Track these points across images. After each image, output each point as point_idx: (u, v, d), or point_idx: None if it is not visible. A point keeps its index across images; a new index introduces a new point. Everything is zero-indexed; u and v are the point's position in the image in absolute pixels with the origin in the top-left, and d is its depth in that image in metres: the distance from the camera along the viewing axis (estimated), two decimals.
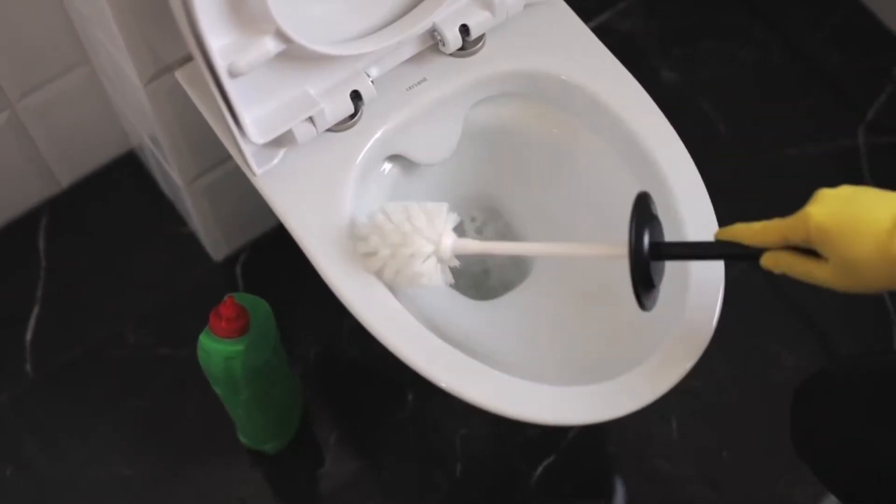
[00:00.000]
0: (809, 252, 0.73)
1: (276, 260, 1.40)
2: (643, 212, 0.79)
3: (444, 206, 0.92)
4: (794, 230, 0.72)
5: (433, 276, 0.90)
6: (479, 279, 1.15)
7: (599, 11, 1.62)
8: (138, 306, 1.38)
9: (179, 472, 1.29)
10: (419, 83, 1.01)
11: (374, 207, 0.97)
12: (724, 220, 0.89)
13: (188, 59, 1.02)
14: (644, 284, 0.79)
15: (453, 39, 0.99)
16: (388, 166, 1.05)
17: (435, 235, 0.90)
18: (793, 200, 0.78)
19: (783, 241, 0.74)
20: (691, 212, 0.95)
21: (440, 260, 0.90)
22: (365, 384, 1.35)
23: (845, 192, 0.71)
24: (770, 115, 1.56)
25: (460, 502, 1.29)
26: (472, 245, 0.91)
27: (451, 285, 0.96)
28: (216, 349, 1.02)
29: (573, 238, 1.07)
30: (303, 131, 0.94)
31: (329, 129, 0.97)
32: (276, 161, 0.96)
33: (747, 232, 0.75)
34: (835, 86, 1.57)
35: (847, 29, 1.63)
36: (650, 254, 0.78)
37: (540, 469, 1.29)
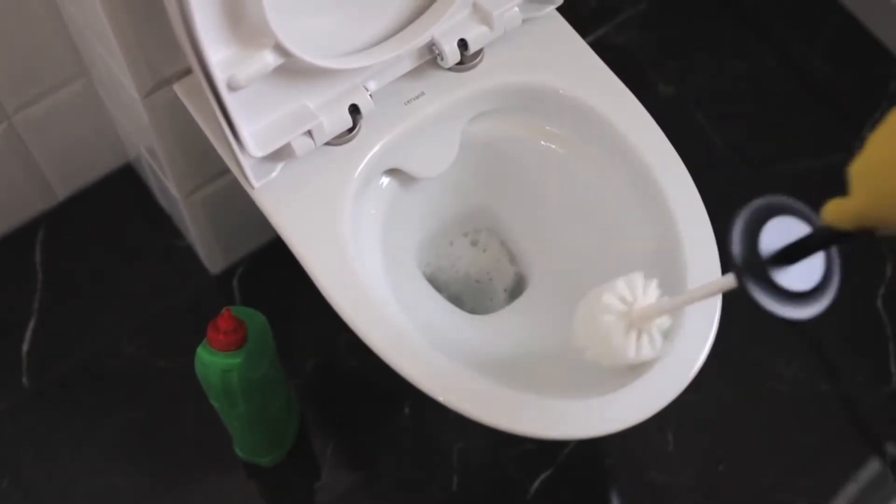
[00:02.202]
0: None
1: (272, 273, 1.40)
2: (742, 231, 0.70)
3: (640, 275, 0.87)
4: None
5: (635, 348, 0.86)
6: (476, 293, 1.16)
7: (596, 26, 1.63)
8: (134, 319, 1.38)
9: (175, 485, 1.28)
10: (417, 97, 1.01)
11: (373, 220, 0.97)
12: (721, 232, 0.89)
13: (187, 72, 1.02)
14: (773, 297, 0.69)
15: (451, 54, 0.99)
16: (385, 180, 1.05)
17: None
18: None
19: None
20: (688, 224, 0.95)
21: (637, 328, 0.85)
22: (362, 397, 1.35)
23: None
24: (765, 128, 1.56)
25: None
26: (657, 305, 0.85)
27: (449, 299, 0.96)
28: (214, 362, 1.02)
29: (572, 252, 1.07)
30: (301, 145, 0.94)
31: (327, 143, 0.98)
32: (274, 174, 0.96)
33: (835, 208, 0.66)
34: (829, 100, 1.58)
35: (840, 43, 1.64)
36: (754, 272, 0.69)
37: (537, 482, 1.29)
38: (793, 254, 0.69)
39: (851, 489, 1.31)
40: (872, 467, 1.32)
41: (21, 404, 1.32)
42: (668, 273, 0.96)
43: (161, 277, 1.41)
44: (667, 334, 0.88)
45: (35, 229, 1.43)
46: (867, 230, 0.64)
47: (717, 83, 1.60)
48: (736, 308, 1.08)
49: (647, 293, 0.85)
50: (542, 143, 1.07)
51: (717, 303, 0.93)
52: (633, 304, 0.84)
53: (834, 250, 0.74)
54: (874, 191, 0.61)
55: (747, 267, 0.68)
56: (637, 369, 0.89)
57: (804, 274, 0.71)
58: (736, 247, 0.69)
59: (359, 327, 0.90)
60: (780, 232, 0.70)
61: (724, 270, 0.95)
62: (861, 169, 0.61)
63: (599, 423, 0.88)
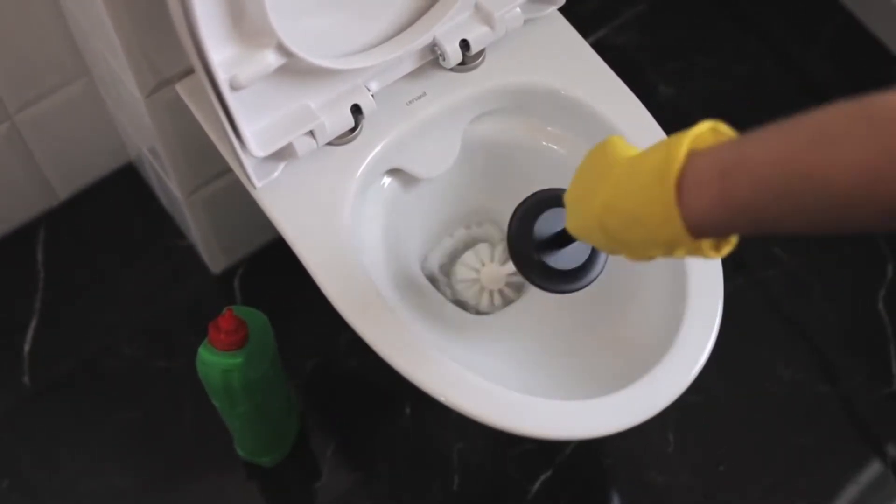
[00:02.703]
0: None
1: (273, 273, 1.40)
2: (517, 219, 0.85)
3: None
4: None
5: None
6: (477, 293, 1.16)
7: (596, 27, 1.63)
8: (136, 319, 1.38)
9: (176, 485, 1.29)
10: (419, 97, 1.01)
11: (374, 220, 0.97)
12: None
13: (189, 71, 1.03)
14: (539, 276, 0.84)
15: (453, 54, 0.99)
16: (387, 180, 1.05)
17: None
18: None
19: None
20: None
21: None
22: (362, 397, 1.35)
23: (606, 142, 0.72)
24: None
25: None
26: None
27: (449, 299, 0.96)
28: (215, 362, 1.02)
29: None
30: (303, 144, 0.94)
31: (329, 143, 0.98)
32: (276, 174, 0.96)
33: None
34: (829, 100, 1.58)
35: (840, 43, 1.64)
36: (526, 256, 0.84)
37: (538, 483, 1.29)
38: (558, 241, 0.83)
39: (852, 490, 1.31)
40: (873, 468, 1.32)
41: (22, 404, 1.33)
42: (669, 271, 0.96)
43: (162, 277, 1.41)
44: (518, 288, 1.10)
45: (36, 229, 1.43)
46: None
47: (717, 84, 1.60)
48: (736, 309, 1.09)
49: (493, 260, 1.11)
50: (544, 143, 1.07)
51: (718, 305, 0.93)
52: (483, 269, 1.11)
53: None
54: (571, 218, 0.74)
55: (519, 252, 0.84)
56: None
57: (575, 253, 0.84)
58: (513, 233, 0.85)
59: (359, 327, 0.90)
60: (557, 220, 0.84)
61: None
62: (568, 198, 0.74)
63: (600, 423, 0.88)
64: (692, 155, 0.59)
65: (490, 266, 1.11)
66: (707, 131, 0.60)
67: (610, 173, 0.66)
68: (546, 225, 0.84)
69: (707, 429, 1.34)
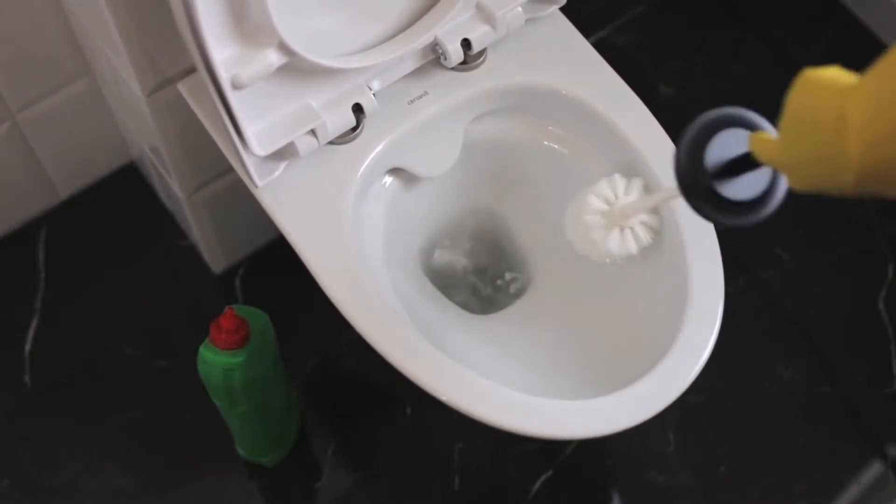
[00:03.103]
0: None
1: (274, 273, 1.40)
2: (690, 142, 0.75)
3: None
4: None
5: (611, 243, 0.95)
6: (480, 293, 1.16)
7: (597, 27, 1.63)
8: (137, 318, 1.38)
9: (176, 484, 1.29)
10: (421, 97, 1.01)
11: (376, 219, 0.97)
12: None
13: (190, 70, 1.03)
14: (715, 208, 0.74)
15: (455, 53, 0.99)
16: (388, 179, 1.05)
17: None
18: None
19: None
20: (690, 222, 0.95)
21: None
22: (363, 396, 1.35)
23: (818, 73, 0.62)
24: None
25: None
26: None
27: (450, 298, 0.96)
28: (216, 361, 1.02)
29: (574, 252, 1.07)
30: (304, 144, 0.94)
31: (331, 142, 0.98)
32: (277, 173, 0.96)
33: (758, 142, 0.71)
34: None
35: (841, 43, 1.64)
36: (696, 183, 0.74)
37: (538, 483, 1.29)
38: (734, 168, 0.73)
39: (852, 490, 1.31)
40: (873, 469, 1.32)
41: (23, 404, 1.33)
42: (671, 271, 0.96)
43: (163, 277, 1.41)
44: (656, 231, 0.96)
45: (38, 228, 1.43)
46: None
47: (717, 84, 1.60)
48: (737, 309, 1.09)
49: (627, 192, 0.96)
50: (545, 143, 1.07)
51: (718, 305, 0.93)
52: (614, 203, 0.95)
53: None
54: (798, 169, 0.63)
55: (689, 178, 0.73)
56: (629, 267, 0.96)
57: (752, 182, 0.74)
58: (681, 158, 0.74)
59: (361, 326, 0.90)
60: (733, 142, 0.74)
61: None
62: (785, 154, 0.64)
63: (600, 423, 0.88)
64: None
65: (623, 199, 0.96)
66: None
67: (844, 111, 0.56)
68: (718, 150, 0.74)
69: (707, 429, 1.34)
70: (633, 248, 0.95)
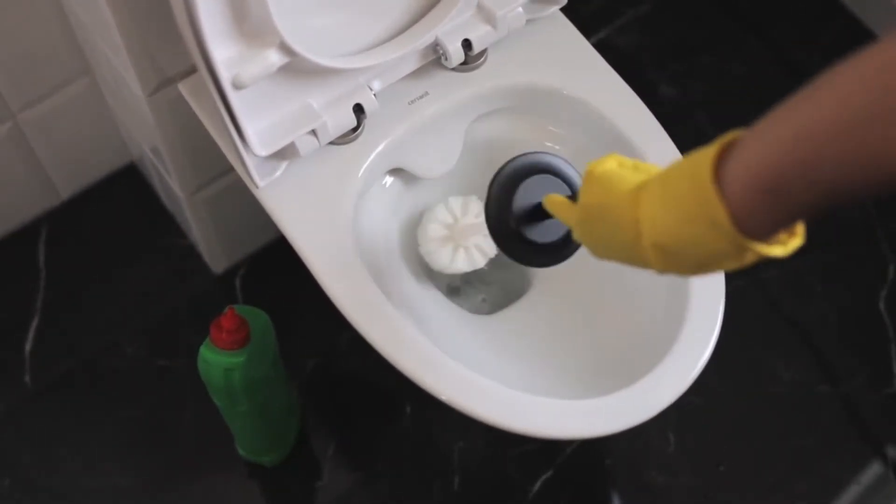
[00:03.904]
0: None
1: (274, 272, 1.40)
2: (496, 189, 0.81)
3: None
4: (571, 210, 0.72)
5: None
6: (480, 293, 1.16)
7: (598, 28, 1.63)
8: (137, 318, 1.38)
9: (176, 484, 1.29)
10: (421, 97, 1.01)
11: (376, 220, 0.97)
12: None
13: (191, 70, 1.03)
14: (518, 250, 0.81)
15: (455, 54, 0.99)
16: (389, 179, 1.05)
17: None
18: None
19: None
20: None
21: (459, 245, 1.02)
22: (363, 396, 1.35)
23: (605, 171, 0.66)
24: None
25: None
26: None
27: (451, 299, 0.96)
28: (216, 361, 1.02)
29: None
30: (305, 144, 0.94)
31: (331, 142, 0.98)
32: (278, 173, 0.96)
33: (554, 206, 0.76)
34: None
35: (842, 43, 1.64)
36: (504, 226, 0.80)
37: (538, 483, 1.29)
38: (538, 214, 0.79)
39: (852, 491, 1.31)
40: (874, 469, 1.32)
41: (23, 403, 1.33)
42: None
43: (163, 277, 1.41)
44: (489, 257, 1.02)
45: (38, 228, 1.43)
46: None
47: (718, 85, 1.60)
48: (737, 309, 1.09)
49: (468, 213, 1.02)
50: (546, 143, 1.07)
51: (719, 305, 0.93)
52: (459, 220, 1.02)
53: None
54: (588, 241, 0.68)
55: (497, 223, 0.80)
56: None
57: (555, 226, 0.79)
58: (490, 204, 0.80)
59: (361, 326, 0.90)
60: (539, 189, 0.80)
61: None
62: (584, 217, 0.67)
63: (601, 422, 0.88)
64: (721, 173, 0.55)
65: (464, 220, 1.02)
66: (720, 144, 0.57)
67: (638, 226, 0.61)
68: (527, 194, 0.80)
69: (707, 429, 1.34)
70: (463, 267, 1.02)
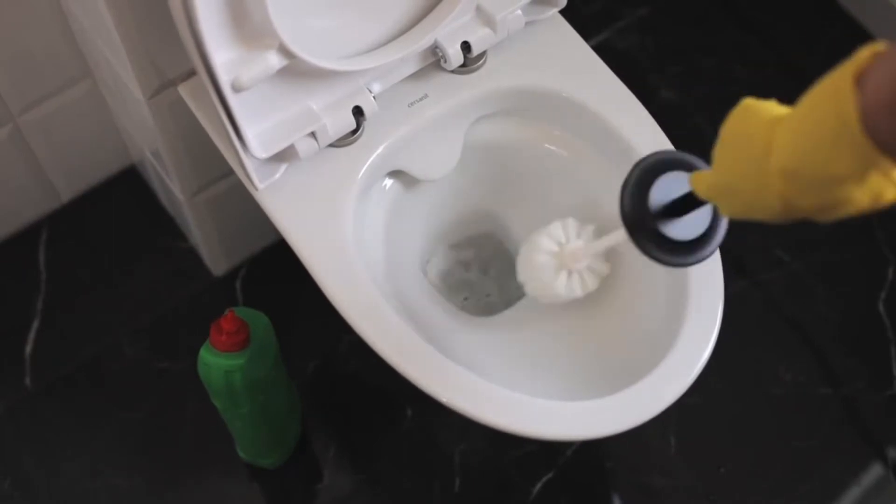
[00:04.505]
0: None
1: (275, 275, 1.40)
2: (634, 185, 0.79)
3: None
4: None
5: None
6: (480, 295, 1.16)
7: (598, 31, 1.63)
8: (137, 320, 1.38)
9: (177, 486, 1.29)
10: (421, 99, 1.01)
11: (376, 222, 0.97)
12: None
13: (191, 73, 1.03)
14: (659, 249, 0.78)
15: (455, 56, 0.99)
16: (389, 182, 1.05)
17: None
18: None
19: None
20: None
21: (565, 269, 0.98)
22: (363, 398, 1.35)
23: (749, 104, 0.66)
24: None
25: None
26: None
27: (451, 301, 0.96)
28: (216, 363, 1.02)
29: None
30: (305, 146, 0.94)
31: (331, 145, 0.98)
32: (277, 176, 0.96)
33: (698, 177, 0.74)
34: None
35: (842, 47, 1.63)
36: (642, 223, 0.78)
37: (539, 485, 1.29)
38: (676, 209, 0.77)
39: (853, 493, 1.31)
40: (874, 471, 1.32)
41: (24, 405, 1.33)
42: (670, 273, 0.96)
43: (164, 279, 1.41)
44: (603, 278, 0.99)
45: (39, 231, 1.44)
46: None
47: (718, 87, 1.60)
48: (738, 311, 1.09)
49: (579, 236, 0.97)
50: (546, 145, 1.07)
51: (718, 306, 0.93)
52: (565, 245, 0.97)
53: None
54: (728, 198, 0.67)
55: (633, 220, 0.77)
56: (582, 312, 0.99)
57: (693, 223, 0.78)
58: (626, 200, 0.78)
59: (361, 328, 0.90)
60: (675, 185, 0.77)
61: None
62: (715, 180, 0.68)
63: (601, 424, 0.88)
64: (863, 82, 0.54)
65: (570, 245, 0.97)
66: (866, 55, 0.55)
67: (771, 146, 0.60)
68: (659, 193, 0.77)
69: (708, 431, 1.34)
70: (578, 292, 0.97)
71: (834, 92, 0.55)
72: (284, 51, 0.85)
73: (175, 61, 1.01)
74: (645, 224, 0.77)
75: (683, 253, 0.78)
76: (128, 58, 0.98)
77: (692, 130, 1.55)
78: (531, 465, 1.30)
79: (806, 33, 1.66)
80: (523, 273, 0.99)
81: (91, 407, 1.33)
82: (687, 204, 0.76)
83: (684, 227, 0.77)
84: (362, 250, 0.98)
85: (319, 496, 1.30)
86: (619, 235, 0.86)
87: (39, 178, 1.37)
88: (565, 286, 0.97)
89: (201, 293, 1.41)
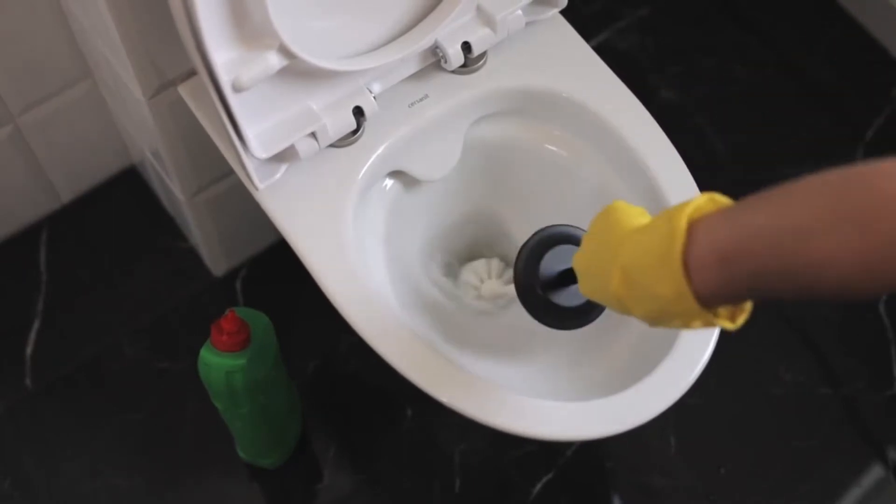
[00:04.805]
0: None
1: (275, 275, 1.40)
2: (524, 256, 0.86)
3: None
4: None
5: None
6: (479, 295, 1.16)
7: (598, 31, 1.63)
8: (138, 320, 1.38)
9: (177, 486, 1.29)
10: (421, 100, 1.01)
11: (376, 222, 0.97)
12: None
13: (191, 73, 1.03)
14: (545, 313, 0.85)
15: (455, 56, 0.99)
16: (389, 182, 1.05)
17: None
18: None
19: None
20: None
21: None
22: (363, 398, 1.35)
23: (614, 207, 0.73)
24: (767, 134, 1.57)
25: None
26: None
27: (452, 301, 0.96)
28: (217, 363, 1.02)
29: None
30: (305, 146, 0.94)
31: (331, 145, 0.98)
32: (278, 176, 0.96)
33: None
34: (832, 106, 1.58)
35: (842, 47, 1.64)
36: (531, 290, 0.85)
37: (539, 485, 1.29)
38: (564, 279, 0.84)
39: (853, 493, 1.31)
40: (875, 472, 1.32)
41: (24, 405, 1.33)
42: None
43: (164, 279, 1.41)
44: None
45: (39, 231, 1.44)
46: None
47: (718, 87, 1.60)
48: None
49: (492, 276, 1.11)
50: (546, 146, 1.07)
51: None
52: (482, 284, 1.12)
53: None
54: (588, 283, 0.75)
55: (525, 286, 0.85)
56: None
57: (576, 294, 0.84)
58: (519, 269, 0.85)
59: (361, 328, 0.90)
60: (564, 257, 0.85)
61: None
62: (578, 266, 0.76)
63: (601, 424, 0.88)
64: (693, 230, 0.60)
65: (490, 282, 1.13)
66: (705, 202, 0.62)
67: (619, 250, 0.68)
68: (553, 262, 0.85)
69: (708, 431, 1.34)
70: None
71: (670, 224, 0.61)
72: (285, 51, 0.85)
73: (175, 61, 1.01)
74: (533, 291, 0.84)
75: (568, 318, 0.85)
76: (128, 58, 0.98)
77: (692, 130, 1.55)
78: (531, 466, 1.30)
79: (806, 33, 1.66)
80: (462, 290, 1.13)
81: (91, 407, 1.33)
82: (569, 276, 0.83)
83: (570, 296, 0.85)
84: (362, 250, 0.98)
85: (319, 496, 1.30)
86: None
87: (40, 178, 1.37)
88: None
89: (201, 293, 1.41)
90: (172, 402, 1.33)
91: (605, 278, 0.69)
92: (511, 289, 1.02)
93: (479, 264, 1.14)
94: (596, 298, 0.74)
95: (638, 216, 0.70)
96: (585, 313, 0.85)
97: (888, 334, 1.41)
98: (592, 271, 0.73)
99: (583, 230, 0.86)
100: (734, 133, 1.55)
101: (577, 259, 0.76)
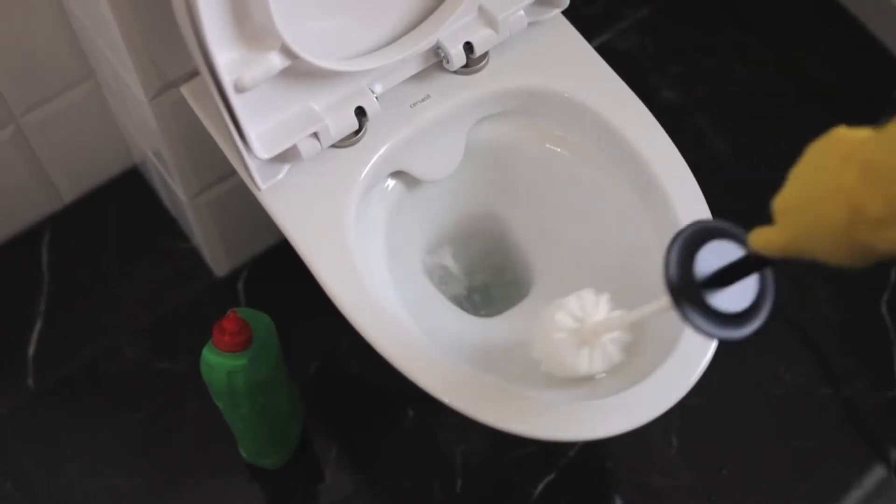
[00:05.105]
0: None
1: (276, 275, 1.40)
2: (678, 254, 0.73)
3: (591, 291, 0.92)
4: None
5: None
6: (481, 295, 1.16)
7: (599, 32, 1.63)
8: (140, 321, 1.38)
9: (178, 486, 1.29)
10: (423, 100, 1.02)
11: (378, 222, 0.97)
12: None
13: (193, 74, 1.03)
14: (704, 320, 0.71)
15: (457, 57, 0.99)
16: (391, 182, 1.05)
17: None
18: None
19: None
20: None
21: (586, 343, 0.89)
22: (365, 399, 1.35)
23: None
24: (768, 134, 1.57)
25: None
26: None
27: (453, 301, 0.96)
28: (219, 363, 1.02)
29: (577, 255, 1.07)
30: (307, 147, 0.94)
31: (333, 145, 0.98)
32: (280, 176, 0.97)
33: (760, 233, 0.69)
34: (832, 106, 1.58)
35: (842, 47, 1.64)
36: (689, 296, 0.71)
37: (541, 486, 1.29)
38: (726, 277, 0.71)
39: (855, 494, 1.31)
40: (876, 472, 1.32)
41: (26, 406, 1.33)
42: None
43: (166, 280, 1.41)
44: (627, 347, 0.90)
45: (41, 232, 1.44)
46: (790, 258, 0.66)
47: (719, 89, 1.60)
48: None
49: (597, 309, 0.89)
50: (548, 146, 1.07)
51: None
52: (584, 320, 0.88)
53: (767, 272, 0.76)
54: (795, 226, 0.63)
55: (681, 290, 0.71)
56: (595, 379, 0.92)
57: (738, 295, 0.72)
58: (671, 270, 0.71)
59: (363, 328, 0.90)
60: (716, 255, 0.72)
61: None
62: (784, 204, 0.65)
63: (603, 424, 0.88)
64: None
65: (596, 315, 0.89)
66: None
67: (854, 156, 0.58)
68: (703, 263, 0.72)
69: (709, 432, 1.34)
70: (601, 367, 0.90)
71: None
72: (287, 51, 0.85)
73: (177, 62, 1.01)
74: (690, 293, 0.71)
75: (727, 325, 0.72)
76: (130, 58, 0.98)
77: (693, 129, 1.55)
78: (533, 466, 1.30)
79: (806, 33, 1.66)
80: (540, 351, 0.92)
81: (93, 407, 1.33)
82: (735, 271, 0.71)
83: (729, 299, 0.72)
84: (364, 251, 0.98)
85: (320, 496, 1.30)
86: (649, 309, 0.82)
87: (41, 179, 1.37)
88: (587, 363, 0.89)
89: (203, 294, 1.41)
90: (173, 402, 1.33)
91: (834, 187, 0.58)
92: (618, 315, 0.88)
93: (571, 302, 0.91)
94: (807, 236, 0.62)
95: (862, 131, 0.60)
96: (747, 319, 0.72)
97: (890, 335, 1.41)
98: (809, 193, 0.61)
99: (733, 224, 0.75)
100: (734, 133, 1.56)
101: (781, 196, 0.65)
